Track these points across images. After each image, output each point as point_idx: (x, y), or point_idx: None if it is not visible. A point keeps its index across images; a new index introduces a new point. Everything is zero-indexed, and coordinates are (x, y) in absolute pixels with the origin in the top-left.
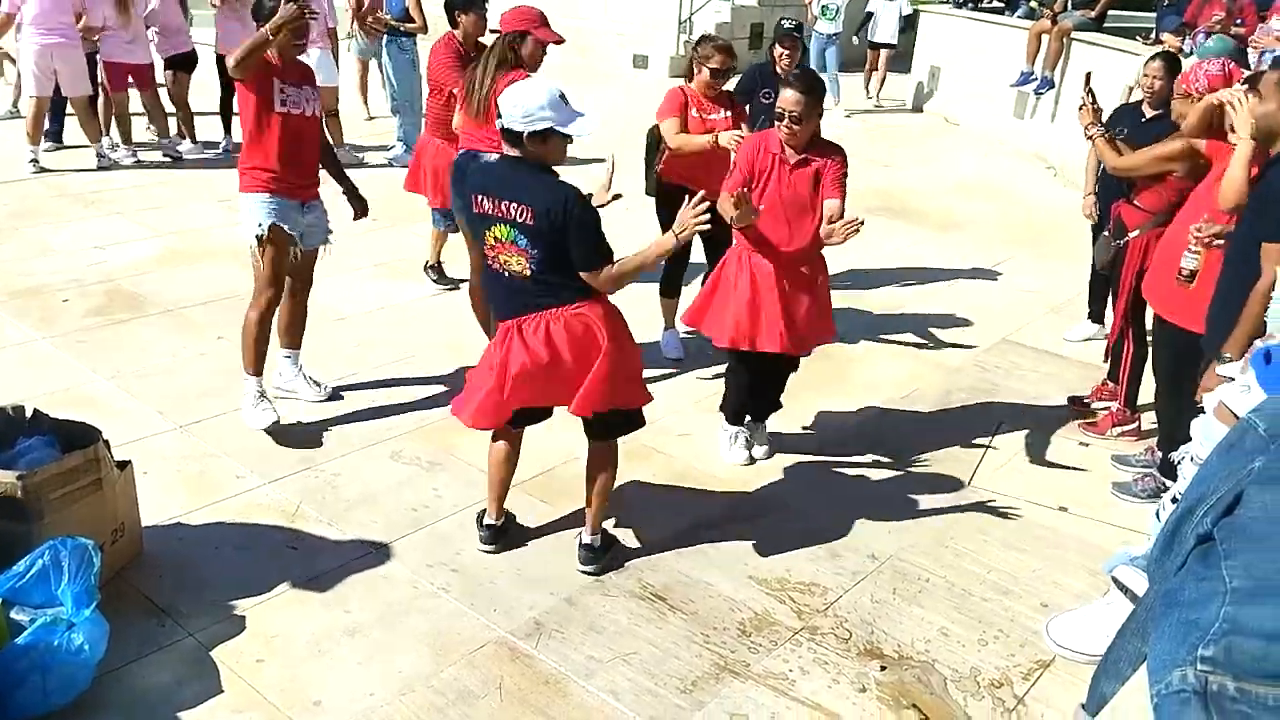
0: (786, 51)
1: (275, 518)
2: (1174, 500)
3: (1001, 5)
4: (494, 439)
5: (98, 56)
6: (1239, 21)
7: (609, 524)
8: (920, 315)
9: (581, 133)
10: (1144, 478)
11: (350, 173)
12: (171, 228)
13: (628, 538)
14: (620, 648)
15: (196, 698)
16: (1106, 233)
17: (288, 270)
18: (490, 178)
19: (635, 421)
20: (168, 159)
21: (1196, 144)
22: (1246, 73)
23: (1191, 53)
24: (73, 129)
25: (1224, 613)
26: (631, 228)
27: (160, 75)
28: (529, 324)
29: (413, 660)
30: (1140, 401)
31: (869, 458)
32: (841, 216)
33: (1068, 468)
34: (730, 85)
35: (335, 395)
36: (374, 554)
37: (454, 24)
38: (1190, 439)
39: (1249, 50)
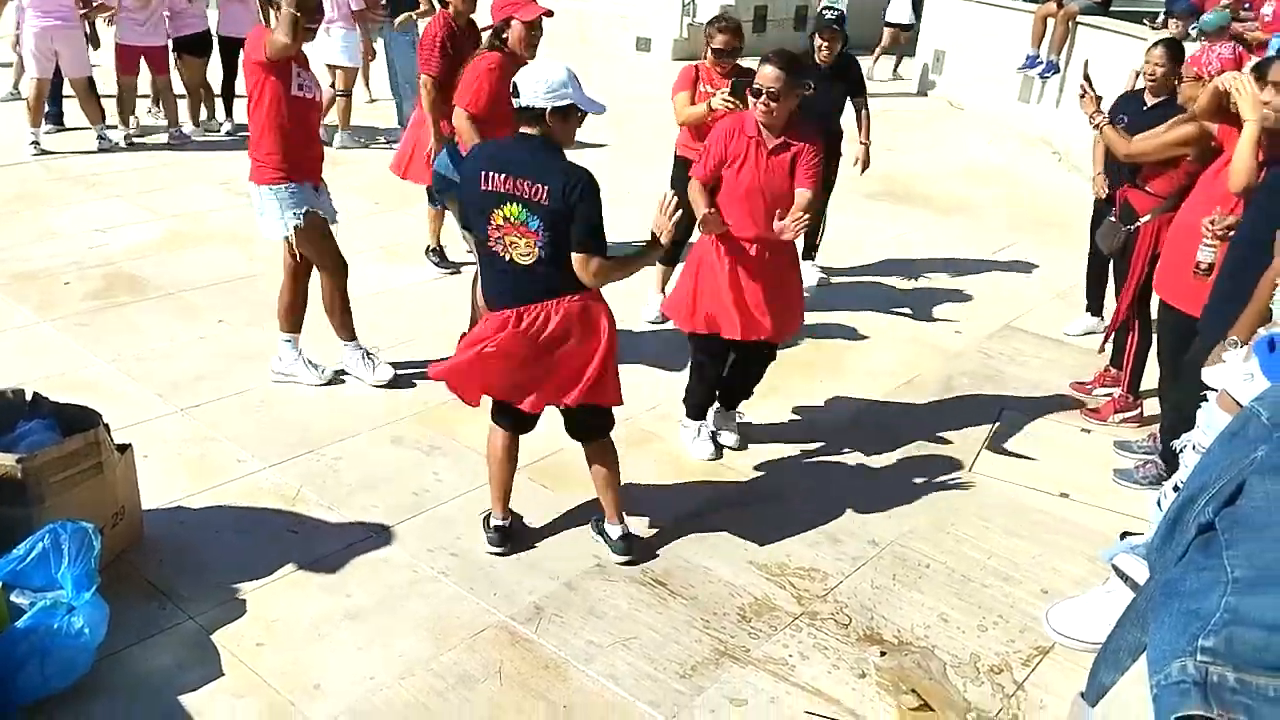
0: (826, 43)
1: (276, 501)
2: (1176, 488)
3: None
4: (491, 437)
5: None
6: (1246, 6)
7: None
8: (923, 300)
9: (599, 110)
10: (1145, 464)
11: (351, 154)
12: (172, 210)
13: (629, 523)
14: (620, 632)
15: (197, 681)
16: (1113, 218)
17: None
18: (505, 155)
19: (610, 422)
20: (174, 143)
21: (1209, 127)
22: (1254, 59)
23: (1199, 34)
24: (73, 111)
25: (1225, 603)
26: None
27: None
28: (529, 313)
29: (413, 644)
30: (1143, 388)
31: (870, 443)
32: (811, 210)
33: (1069, 454)
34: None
35: (335, 379)
36: (374, 538)
37: (445, 2)
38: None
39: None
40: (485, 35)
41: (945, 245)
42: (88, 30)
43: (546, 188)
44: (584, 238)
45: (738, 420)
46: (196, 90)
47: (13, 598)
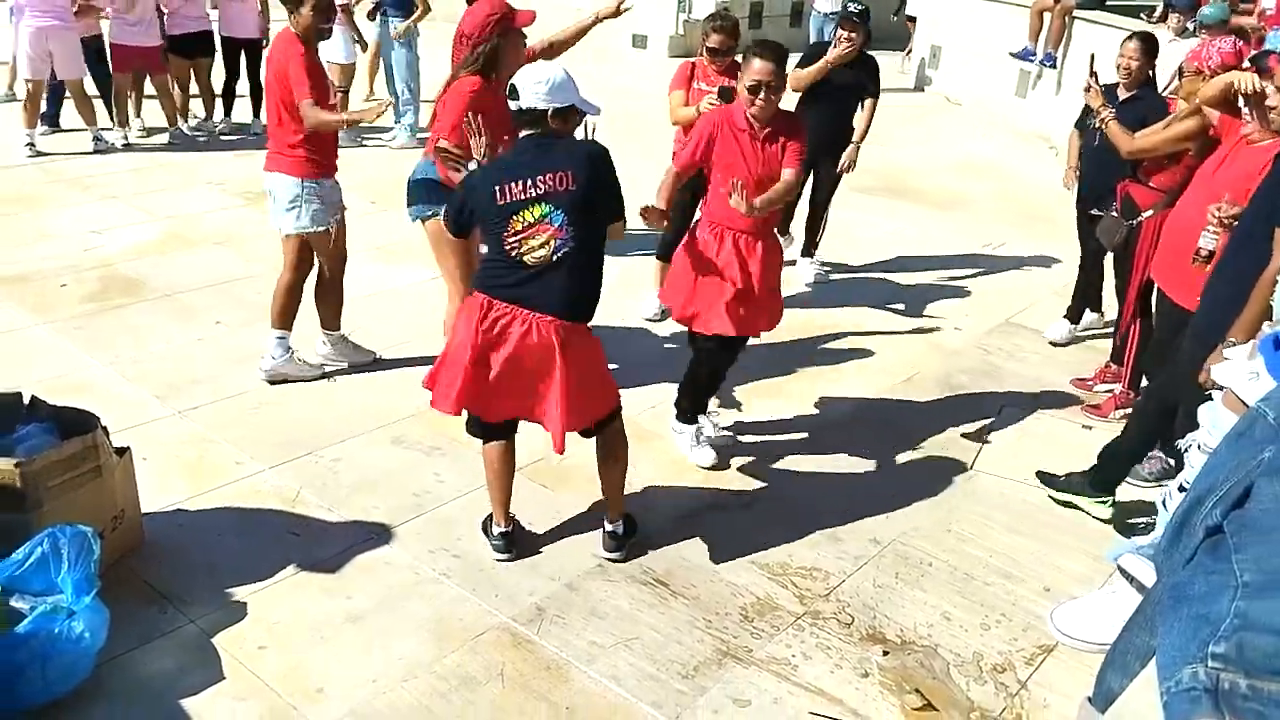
0: (849, 34)
1: (276, 503)
2: (1181, 489)
3: None
4: (486, 444)
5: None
6: None
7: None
8: (920, 297)
9: (594, 111)
10: (1150, 459)
11: (347, 153)
12: (169, 212)
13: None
14: (622, 633)
15: (198, 685)
16: (1114, 213)
17: (311, 251)
18: (515, 161)
19: (617, 412)
20: (175, 143)
21: (1209, 116)
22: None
23: (1199, 27)
24: (69, 114)
25: (1235, 608)
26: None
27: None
28: (523, 320)
29: (414, 646)
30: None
31: (870, 441)
32: (791, 193)
33: (1071, 451)
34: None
35: (325, 375)
36: (375, 539)
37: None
38: (1173, 413)
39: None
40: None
41: (942, 241)
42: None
43: (570, 173)
44: (617, 206)
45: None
46: (207, 89)
47: (12, 602)
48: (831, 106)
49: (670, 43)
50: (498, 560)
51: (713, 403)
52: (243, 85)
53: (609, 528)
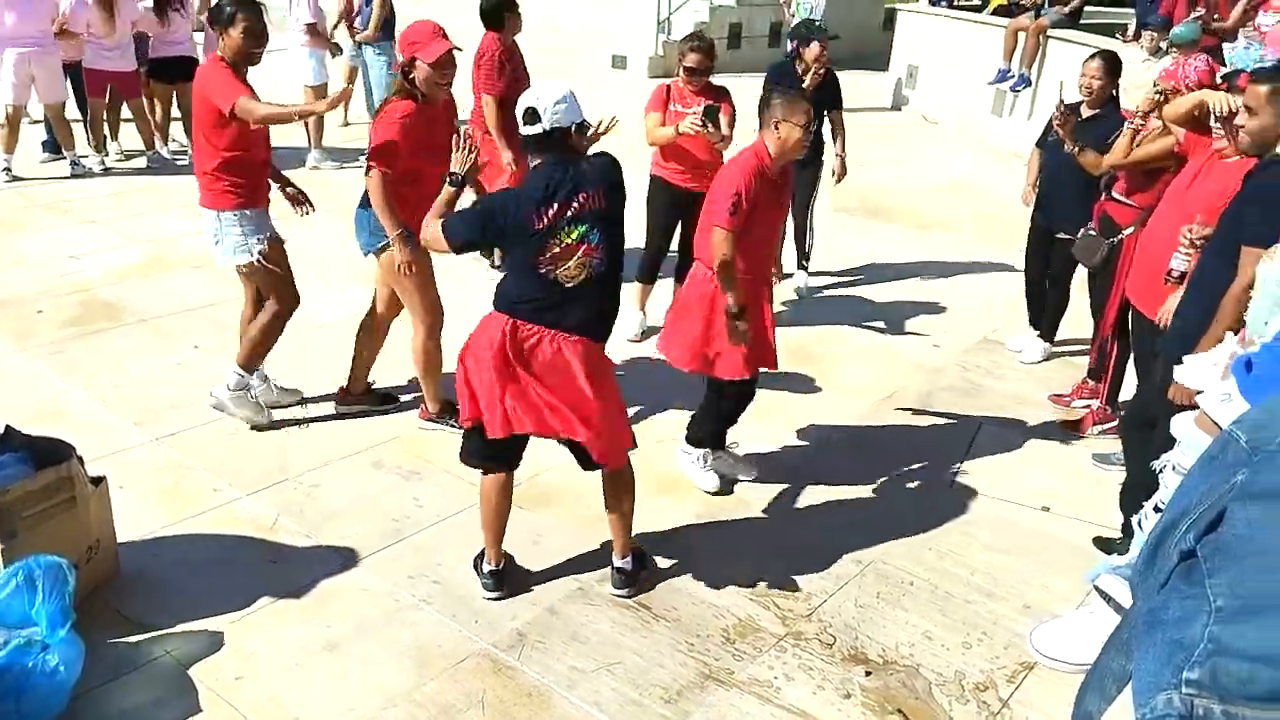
0: (822, 50)
1: (253, 531)
2: (1156, 509)
3: (978, 3)
4: (485, 476)
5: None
6: (1216, 16)
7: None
8: (900, 315)
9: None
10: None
11: (327, 175)
12: (147, 236)
13: (610, 544)
14: (603, 657)
15: (175, 717)
16: (1092, 231)
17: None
18: (549, 185)
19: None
20: (153, 166)
21: (1176, 133)
22: (1222, 69)
23: (1171, 46)
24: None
25: (1209, 633)
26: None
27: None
28: (552, 339)
29: (394, 674)
30: (1123, 399)
31: (851, 460)
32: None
33: (1049, 467)
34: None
35: (303, 401)
36: (353, 566)
37: (498, 27)
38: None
39: (1224, 45)
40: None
41: (921, 259)
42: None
43: (600, 190)
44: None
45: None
46: (188, 113)
47: None
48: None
49: (650, 63)
50: (486, 598)
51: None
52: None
53: (617, 564)
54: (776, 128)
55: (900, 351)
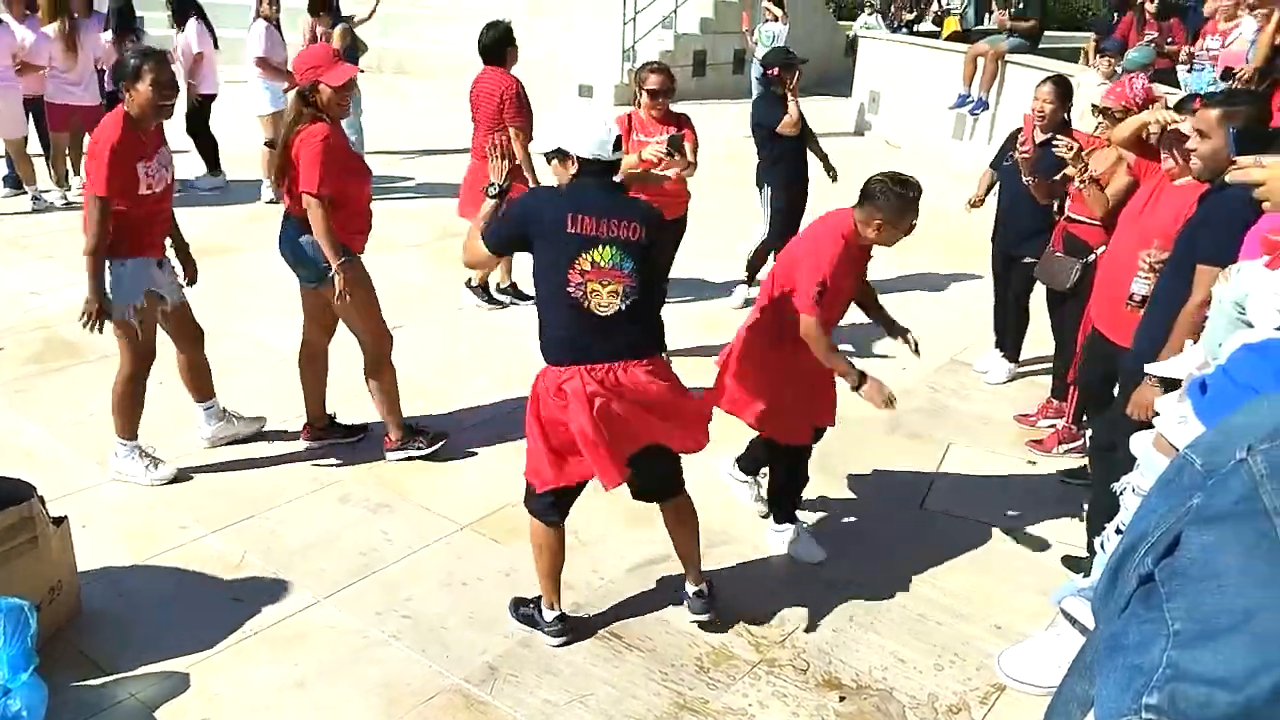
0: (793, 78)
1: (219, 568)
2: (1118, 531)
3: (936, 29)
4: (535, 529)
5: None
6: (1170, 41)
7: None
8: (868, 338)
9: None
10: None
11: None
12: None
13: (584, 574)
14: (577, 689)
15: None
16: (1058, 254)
17: (169, 330)
18: (586, 197)
19: (682, 477)
20: None
21: (1126, 157)
22: (1178, 92)
23: (1125, 71)
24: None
25: (1167, 657)
26: None
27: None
28: (608, 370)
29: (362, 712)
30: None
31: (820, 483)
32: None
33: (1016, 487)
34: (682, 108)
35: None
36: (321, 603)
37: (499, 61)
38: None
39: (1178, 69)
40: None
41: (887, 282)
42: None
43: (638, 225)
44: (667, 266)
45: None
46: None
47: None
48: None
49: (616, 92)
50: (553, 646)
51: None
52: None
53: (692, 589)
54: (879, 229)
55: (869, 373)
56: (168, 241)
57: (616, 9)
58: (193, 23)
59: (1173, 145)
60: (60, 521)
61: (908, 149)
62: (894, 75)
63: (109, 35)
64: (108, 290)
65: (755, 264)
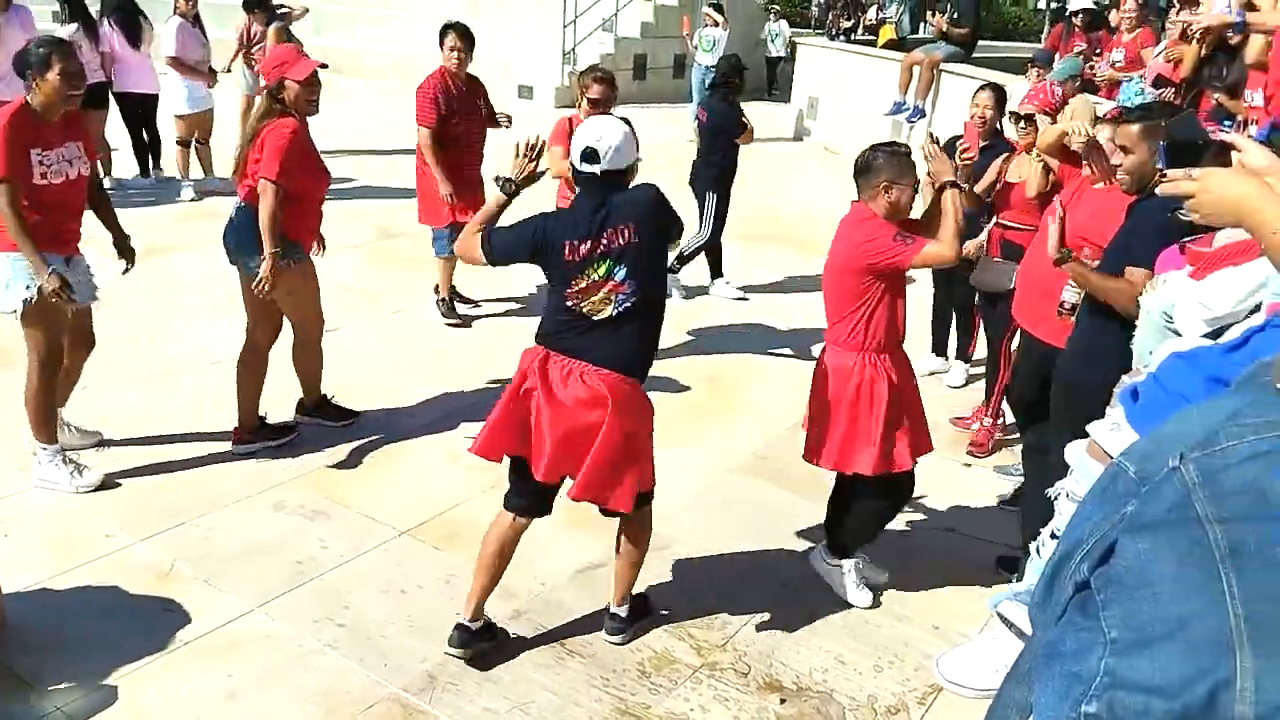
0: (740, 82)
1: (148, 578)
2: (1053, 536)
3: (872, 38)
4: (505, 514)
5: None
6: (1097, 51)
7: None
8: (806, 341)
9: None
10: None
11: (221, 203)
12: None
13: (525, 581)
14: (518, 697)
15: None
16: (997, 260)
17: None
18: (582, 220)
19: (650, 495)
20: None
21: (1050, 163)
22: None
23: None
24: None
25: (1104, 665)
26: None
27: None
28: (581, 371)
29: None
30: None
31: (761, 486)
32: None
33: (954, 488)
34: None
35: (103, 443)
36: (255, 611)
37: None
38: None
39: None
40: (259, 99)
41: (816, 281)
42: None
43: (631, 225)
44: (675, 225)
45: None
46: (101, 143)
47: None
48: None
49: (556, 94)
50: (448, 652)
51: None
52: (123, 138)
53: (612, 608)
54: (887, 191)
55: (808, 377)
56: (109, 240)
57: (557, 11)
58: (106, 22)
59: (1091, 154)
60: None
61: (846, 155)
62: (832, 82)
63: (73, 28)
64: (4, 284)
65: (687, 259)
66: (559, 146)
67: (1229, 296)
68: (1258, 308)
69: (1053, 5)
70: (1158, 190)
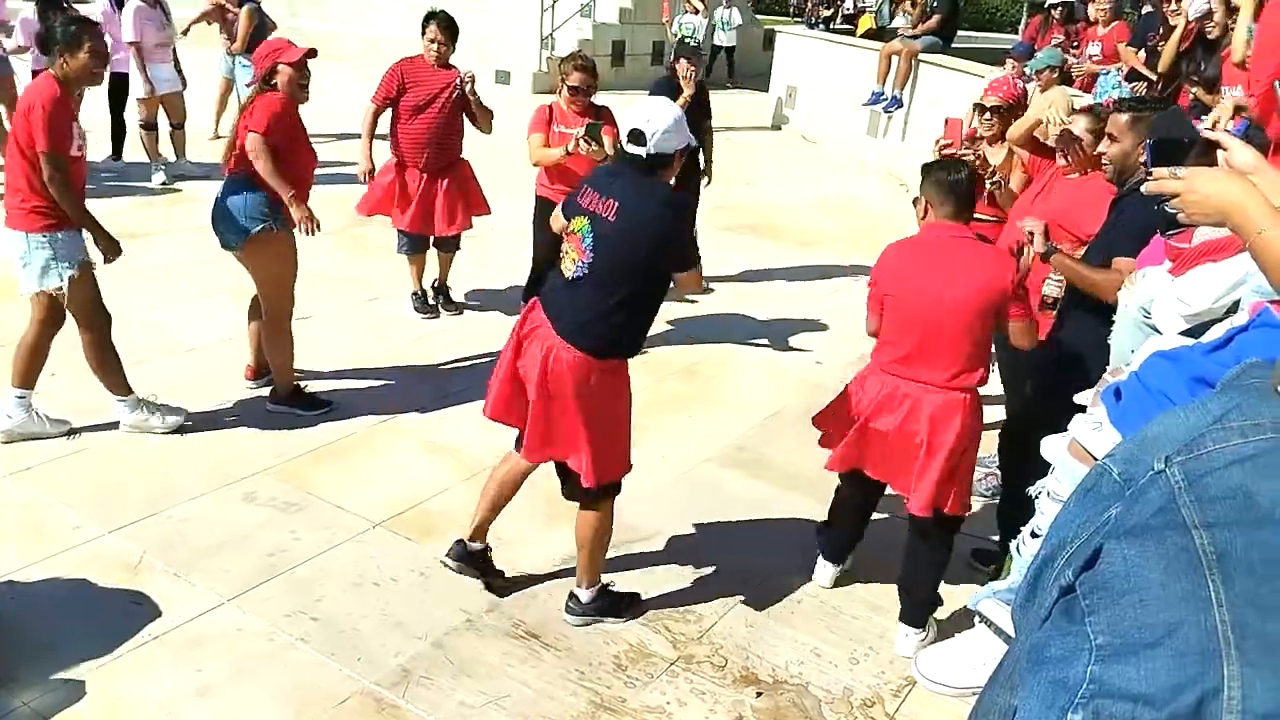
0: (693, 68)
1: (117, 570)
2: (1034, 535)
3: (850, 28)
4: (508, 455)
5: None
6: (1075, 44)
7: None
8: (783, 332)
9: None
10: (987, 476)
11: (194, 187)
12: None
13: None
14: (493, 690)
15: None
16: None
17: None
18: (606, 179)
19: (611, 489)
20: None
21: (1020, 155)
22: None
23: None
24: None
25: (1090, 672)
26: (499, 246)
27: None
28: (545, 336)
29: (270, 718)
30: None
31: (738, 477)
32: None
33: None
34: (601, 99)
35: (71, 432)
36: (226, 605)
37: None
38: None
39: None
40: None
41: (803, 276)
42: None
43: (619, 205)
44: (678, 262)
45: None
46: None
47: None
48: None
49: (534, 79)
50: (443, 561)
51: None
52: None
53: (574, 589)
54: (926, 209)
55: (785, 367)
56: None
57: None
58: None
59: (1067, 145)
60: None
61: (824, 144)
62: (810, 71)
63: (102, 4)
64: (39, 265)
65: None
66: (538, 134)
67: (1207, 293)
68: (1236, 305)
69: None
70: (1143, 189)
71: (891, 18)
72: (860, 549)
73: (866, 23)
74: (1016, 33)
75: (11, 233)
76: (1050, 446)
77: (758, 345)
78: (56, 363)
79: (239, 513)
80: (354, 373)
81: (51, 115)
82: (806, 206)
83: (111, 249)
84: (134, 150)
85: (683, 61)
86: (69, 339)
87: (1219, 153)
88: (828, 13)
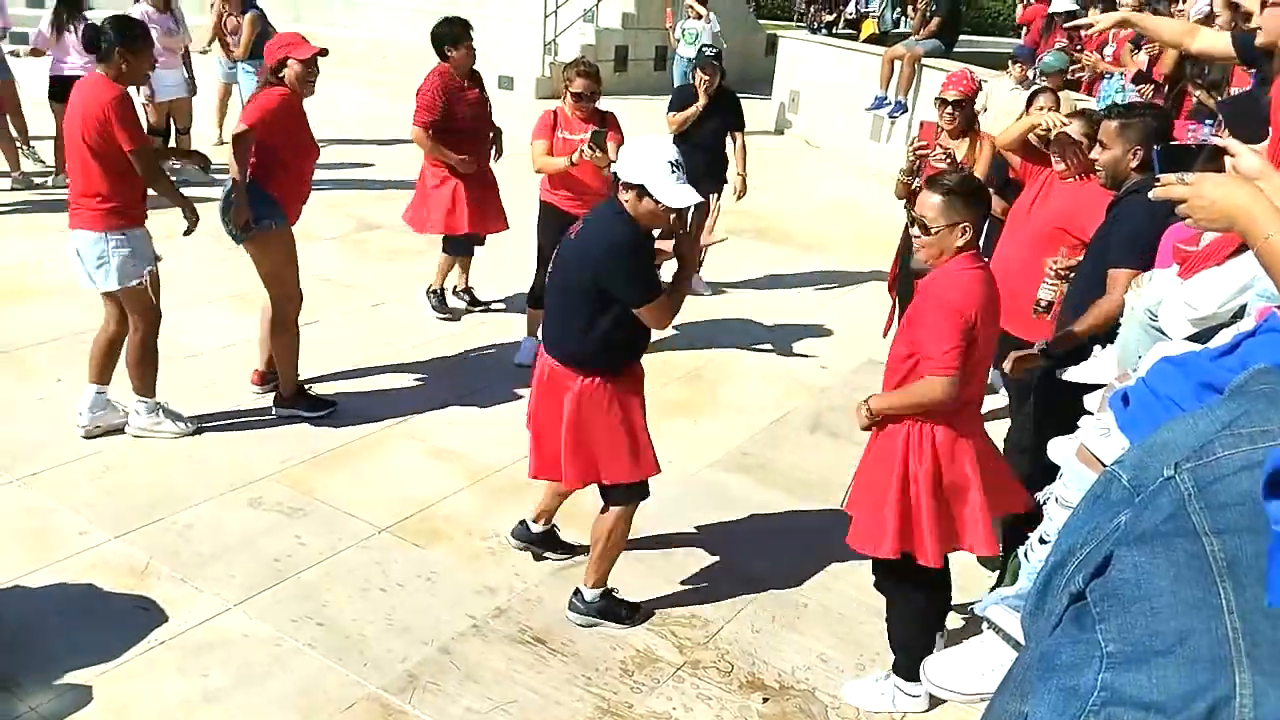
0: (707, 77)
1: (124, 576)
2: (1042, 540)
3: (853, 32)
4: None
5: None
6: (1079, 48)
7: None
8: (788, 337)
9: (679, 204)
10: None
11: (193, 191)
12: (7, 261)
13: (506, 578)
14: (499, 696)
15: None
16: None
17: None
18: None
19: (635, 491)
20: (16, 188)
21: (1011, 160)
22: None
23: (1041, 75)
24: None
25: (1101, 680)
26: (504, 254)
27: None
28: (541, 355)
29: None
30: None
31: (744, 482)
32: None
33: None
34: (604, 104)
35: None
36: (232, 610)
37: (444, 58)
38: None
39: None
40: (259, 78)
41: (807, 280)
42: None
43: (583, 226)
44: (626, 295)
45: None
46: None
47: None
48: (705, 142)
49: (537, 84)
50: (513, 547)
51: None
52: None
53: (579, 586)
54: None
55: (791, 372)
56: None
57: (537, 1)
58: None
59: (1065, 148)
60: None
61: (827, 149)
62: (813, 76)
63: (144, 7)
64: (120, 263)
65: None
66: (542, 140)
67: (1214, 297)
68: (1243, 310)
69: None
70: (1150, 194)
71: (896, 24)
72: (861, 557)
73: (869, 28)
74: (1019, 37)
75: (86, 234)
76: (1057, 450)
77: (762, 350)
78: (60, 370)
79: (245, 518)
80: (359, 377)
81: (124, 115)
82: (810, 211)
83: (195, 220)
84: None
85: (698, 71)
86: (75, 345)
87: (1226, 158)
88: (830, 17)
